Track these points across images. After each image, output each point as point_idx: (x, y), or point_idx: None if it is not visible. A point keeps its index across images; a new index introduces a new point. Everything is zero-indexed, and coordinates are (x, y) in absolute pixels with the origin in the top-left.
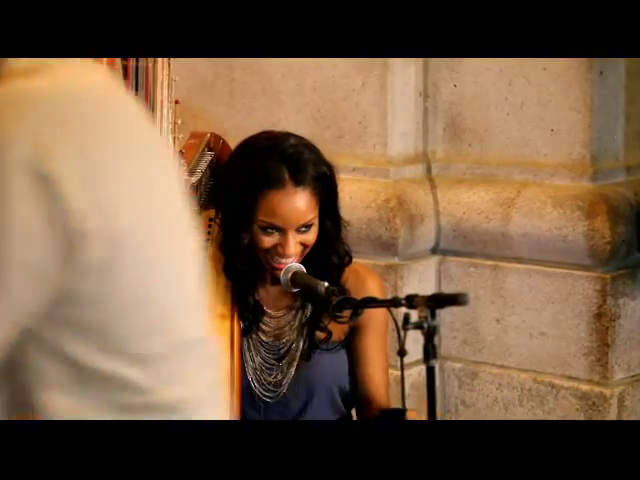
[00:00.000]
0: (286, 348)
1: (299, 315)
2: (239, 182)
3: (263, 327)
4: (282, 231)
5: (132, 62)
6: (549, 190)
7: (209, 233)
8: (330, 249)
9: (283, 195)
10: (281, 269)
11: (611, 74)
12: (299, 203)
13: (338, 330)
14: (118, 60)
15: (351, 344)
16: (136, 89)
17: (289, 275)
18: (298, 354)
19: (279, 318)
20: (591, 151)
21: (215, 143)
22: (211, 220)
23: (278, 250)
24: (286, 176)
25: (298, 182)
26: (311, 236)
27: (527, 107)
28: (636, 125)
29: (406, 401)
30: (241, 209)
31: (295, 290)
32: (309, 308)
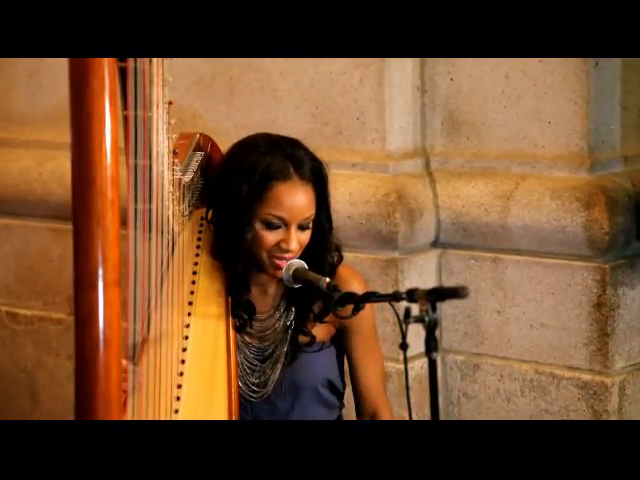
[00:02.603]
0: (270, 350)
1: (283, 319)
2: (242, 177)
3: (247, 329)
4: (285, 226)
5: (131, 63)
6: (547, 182)
7: (200, 232)
8: (324, 247)
9: (290, 187)
10: (282, 267)
11: (607, 65)
12: (304, 196)
13: (323, 332)
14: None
15: (341, 347)
16: (135, 90)
17: (291, 271)
18: (282, 358)
19: (263, 321)
20: (588, 142)
21: (204, 143)
22: (202, 219)
23: (281, 246)
24: (291, 170)
25: (301, 176)
26: (307, 236)
27: (524, 100)
28: (633, 115)
29: (410, 393)
30: (244, 204)
31: (297, 286)
32: (292, 312)
